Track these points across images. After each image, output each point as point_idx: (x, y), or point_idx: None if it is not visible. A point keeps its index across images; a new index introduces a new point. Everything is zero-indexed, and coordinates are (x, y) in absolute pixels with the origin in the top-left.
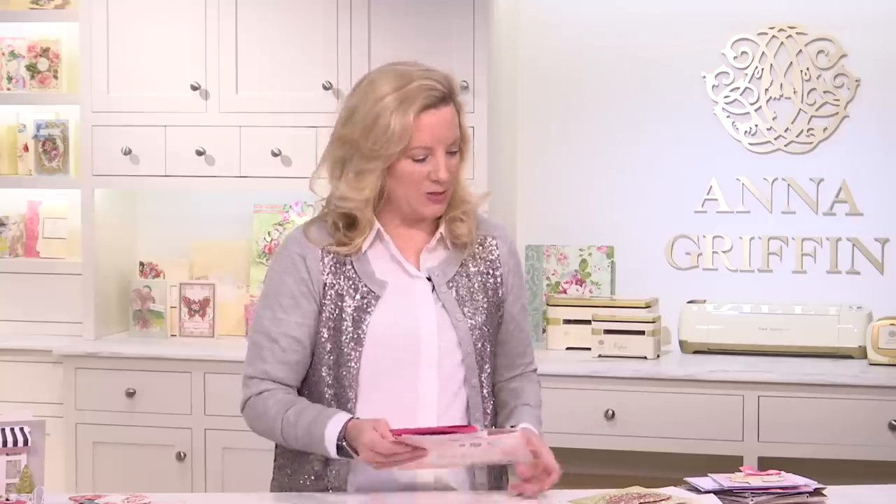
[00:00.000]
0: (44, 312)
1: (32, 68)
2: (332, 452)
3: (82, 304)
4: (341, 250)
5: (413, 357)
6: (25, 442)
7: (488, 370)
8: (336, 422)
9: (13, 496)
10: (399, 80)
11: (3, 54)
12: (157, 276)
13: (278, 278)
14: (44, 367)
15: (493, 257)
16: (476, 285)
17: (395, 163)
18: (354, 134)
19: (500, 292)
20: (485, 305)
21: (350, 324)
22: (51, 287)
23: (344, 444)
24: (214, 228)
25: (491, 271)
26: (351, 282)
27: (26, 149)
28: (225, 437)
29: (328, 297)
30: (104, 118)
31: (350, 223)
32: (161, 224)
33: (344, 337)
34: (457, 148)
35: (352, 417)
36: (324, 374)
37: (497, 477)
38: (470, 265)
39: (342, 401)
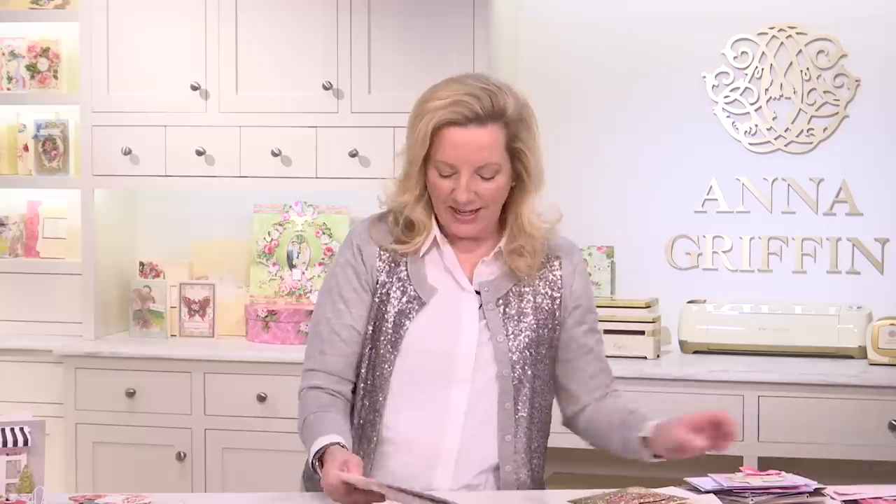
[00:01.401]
0: (44, 312)
1: (32, 68)
2: (311, 466)
3: (82, 304)
4: (400, 248)
5: (446, 371)
6: (25, 442)
7: (527, 394)
8: (321, 441)
9: (13, 496)
10: (451, 90)
11: (3, 54)
12: (157, 276)
13: (341, 270)
14: (44, 367)
15: (554, 277)
16: (527, 306)
17: (427, 170)
18: (407, 133)
19: (557, 314)
20: (534, 326)
21: (390, 326)
22: (51, 287)
23: (316, 463)
24: (214, 228)
25: (548, 292)
26: (401, 283)
27: (26, 149)
28: (225, 437)
29: (378, 295)
30: (104, 118)
31: (408, 221)
32: (161, 224)
33: (382, 338)
34: (491, 174)
35: (336, 443)
36: (362, 370)
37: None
38: (525, 284)
39: (373, 402)
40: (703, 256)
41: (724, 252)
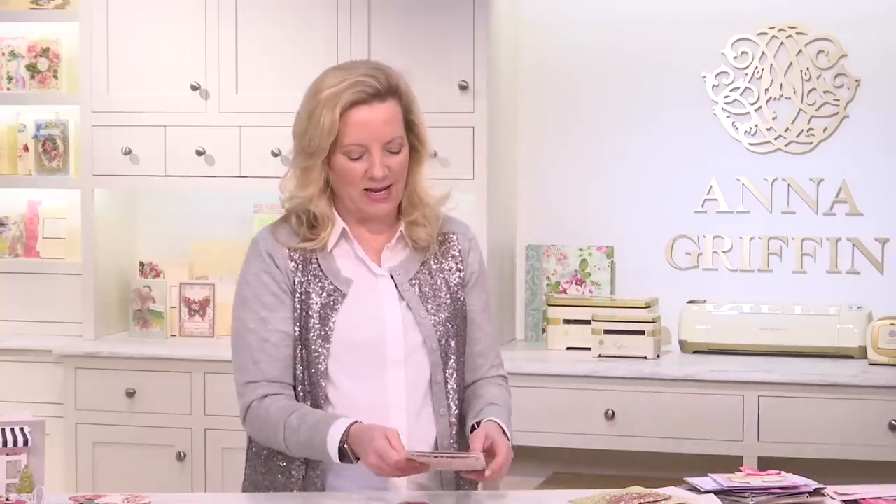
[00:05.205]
0: (44, 312)
1: (32, 68)
2: (334, 456)
3: (82, 304)
4: (307, 246)
5: (379, 356)
6: (25, 442)
7: (453, 366)
8: (339, 426)
9: (13, 496)
10: (339, 77)
11: (3, 54)
12: (157, 276)
13: (254, 279)
14: (44, 367)
15: (455, 252)
16: (439, 282)
17: (332, 159)
18: (297, 130)
19: (463, 287)
20: (448, 301)
21: (317, 321)
22: (51, 287)
23: (346, 446)
24: (214, 228)
25: (453, 266)
26: (317, 279)
27: (26, 149)
28: (225, 437)
29: (297, 294)
30: (104, 118)
31: (312, 219)
32: (161, 224)
33: (311, 334)
34: (398, 148)
35: (355, 422)
36: (298, 372)
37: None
38: (432, 262)
39: (315, 398)
40: (703, 256)
41: (724, 252)
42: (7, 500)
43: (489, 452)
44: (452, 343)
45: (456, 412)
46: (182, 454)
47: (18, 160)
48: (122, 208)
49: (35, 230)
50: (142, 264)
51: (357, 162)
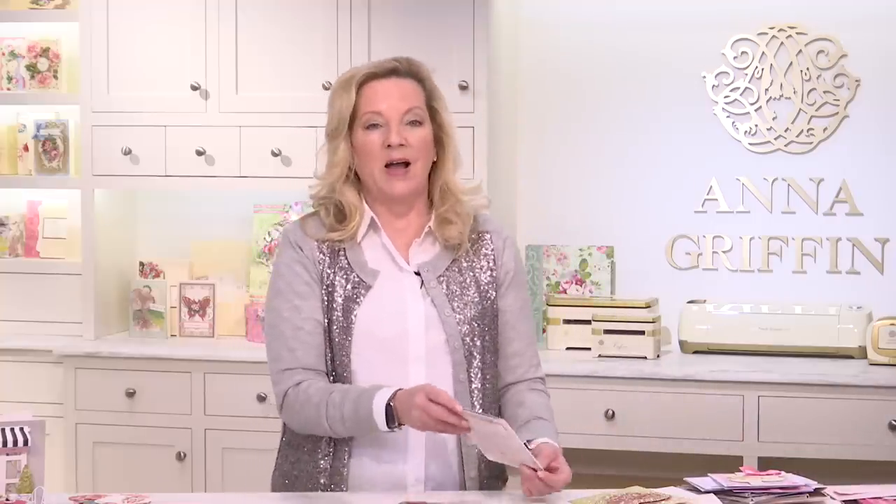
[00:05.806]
0: (44, 312)
1: (32, 68)
2: (381, 420)
3: (82, 304)
4: (334, 236)
5: (401, 352)
6: (25, 442)
7: (479, 365)
8: (385, 392)
9: (13, 496)
10: (360, 67)
11: (3, 54)
12: (157, 276)
13: (287, 269)
14: (44, 367)
15: (488, 251)
16: (468, 280)
17: (353, 136)
18: (326, 128)
19: (495, 287)
20: (477, 299)
21: (340, 313)
22: (51, 287)
23: (392, 404)
24: (214, 228)
25: (485, 265)
26: (343, 272)
27: (26, 149)
28: (225, 437)
29: (325, 286)
30: (104, 118)
31: (339, 211)
32: (161, 224)
33: (335, 326)
34: (419, 118)
35: (400, 388)
36: (326, 360)
37: (492, 476)
38: (462, 260)
39: None
40: (703, 256)
41: (724, 252)
42: (7, 500)
43: (551, 469)
44: (478, 342)
45: (480, 412)
46: (182, 454)
47: (18, 160)
48: (122, 208)
49: (35, 230)
50: (142, 264)
51: (374, 132)
